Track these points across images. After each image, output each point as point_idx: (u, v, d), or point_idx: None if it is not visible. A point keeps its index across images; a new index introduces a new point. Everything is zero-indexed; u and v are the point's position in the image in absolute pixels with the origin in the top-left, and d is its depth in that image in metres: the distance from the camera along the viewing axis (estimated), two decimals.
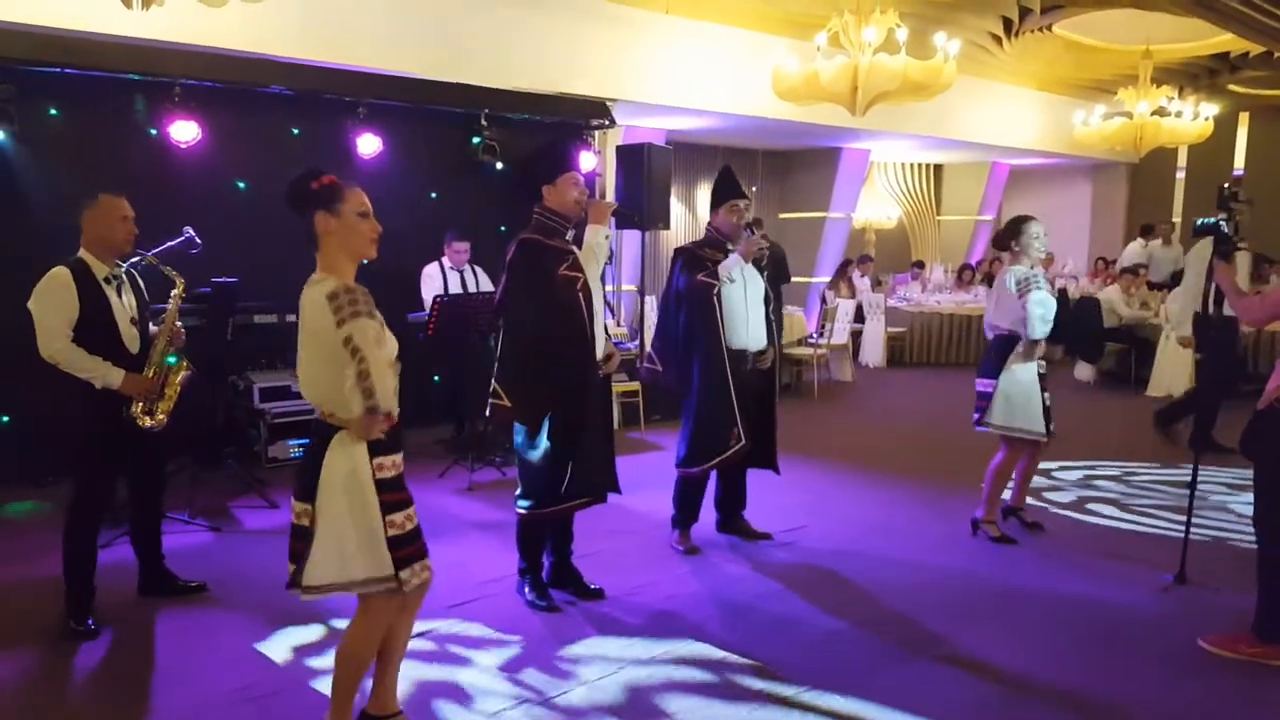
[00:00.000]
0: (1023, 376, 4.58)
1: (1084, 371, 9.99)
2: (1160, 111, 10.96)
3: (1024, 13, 10.05)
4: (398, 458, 2.60)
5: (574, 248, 3.72)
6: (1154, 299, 10.38)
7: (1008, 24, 10.30)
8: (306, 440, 2.72)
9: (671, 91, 8.82)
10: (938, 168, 15.75)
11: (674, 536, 4.59)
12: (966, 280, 12.84)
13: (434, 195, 7.12)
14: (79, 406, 3.58)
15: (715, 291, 4.34)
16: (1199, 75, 12.49)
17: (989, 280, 13.55)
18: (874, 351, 11.10)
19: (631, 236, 9.17)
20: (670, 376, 4.54)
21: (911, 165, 15.31)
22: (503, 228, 6.95)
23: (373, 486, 2.50)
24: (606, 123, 7.91)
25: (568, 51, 7.92)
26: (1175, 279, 10.38)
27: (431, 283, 6.44)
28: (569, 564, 4.02)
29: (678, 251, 4.54)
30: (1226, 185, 3.75)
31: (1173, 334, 9.25)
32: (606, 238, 3.75)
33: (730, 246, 4.44)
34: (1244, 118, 14.47)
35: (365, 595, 2.56)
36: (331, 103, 6.47)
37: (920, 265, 13.61)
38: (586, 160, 7.58)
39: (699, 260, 4.40)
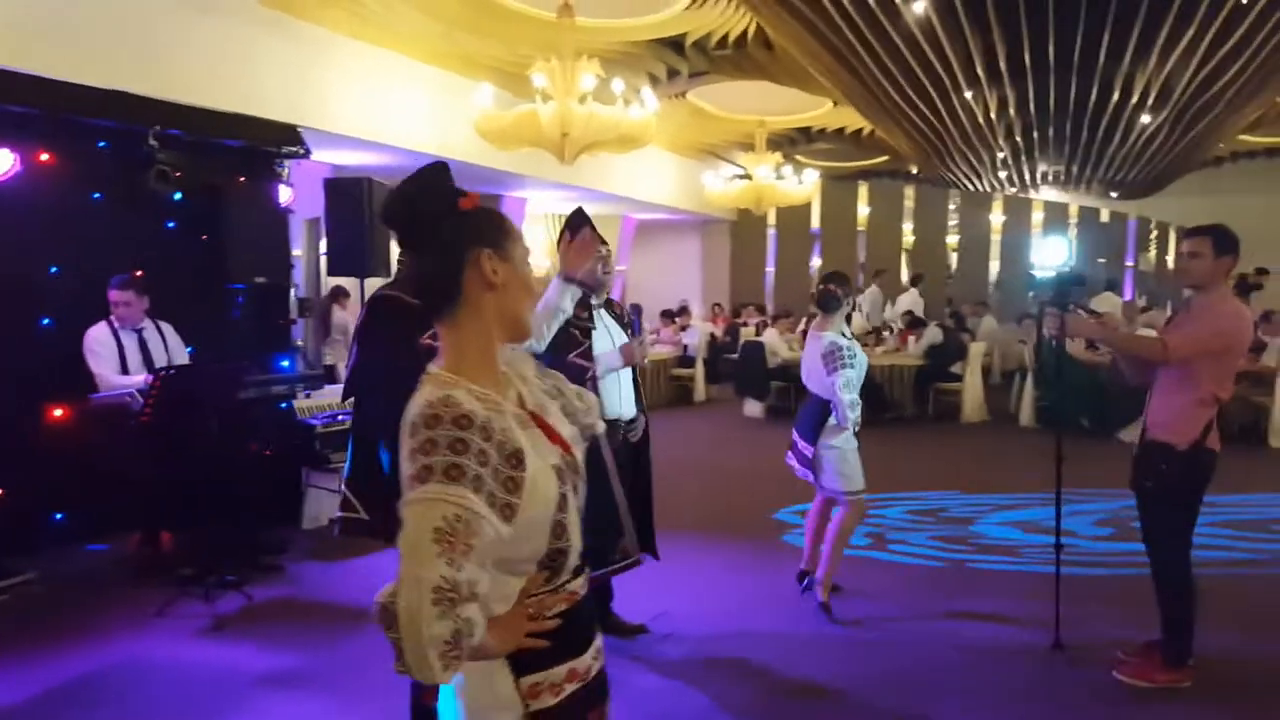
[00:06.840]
0: (847, 444, 4.27)
1: (753, 408, 10.78)
2: (778, 175, 12.65)
3: (671, 73, 10.77)
4: (566, 669, 1.48)
5: None
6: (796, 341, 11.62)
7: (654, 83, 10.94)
8: None
9: (357, 123, 7.80)
10: None
11: None
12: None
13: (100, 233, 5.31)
14: None
15: (589, 376, 3.59)
16: (781, 144, 14.45)
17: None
18: None
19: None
20: None
21: (555, 216, 15.55)
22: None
23: None
24: (300, 151, 6.66)
25: (245, 66, 6.56)
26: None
27: (103, 352, 4.72)
28: None
29: None
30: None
31: None
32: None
33: (594, 300, 3.83)
34: (819, 184, 17.12)
35: None
36: None
37: None
38: (283, 193, 6.34)
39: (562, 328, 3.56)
